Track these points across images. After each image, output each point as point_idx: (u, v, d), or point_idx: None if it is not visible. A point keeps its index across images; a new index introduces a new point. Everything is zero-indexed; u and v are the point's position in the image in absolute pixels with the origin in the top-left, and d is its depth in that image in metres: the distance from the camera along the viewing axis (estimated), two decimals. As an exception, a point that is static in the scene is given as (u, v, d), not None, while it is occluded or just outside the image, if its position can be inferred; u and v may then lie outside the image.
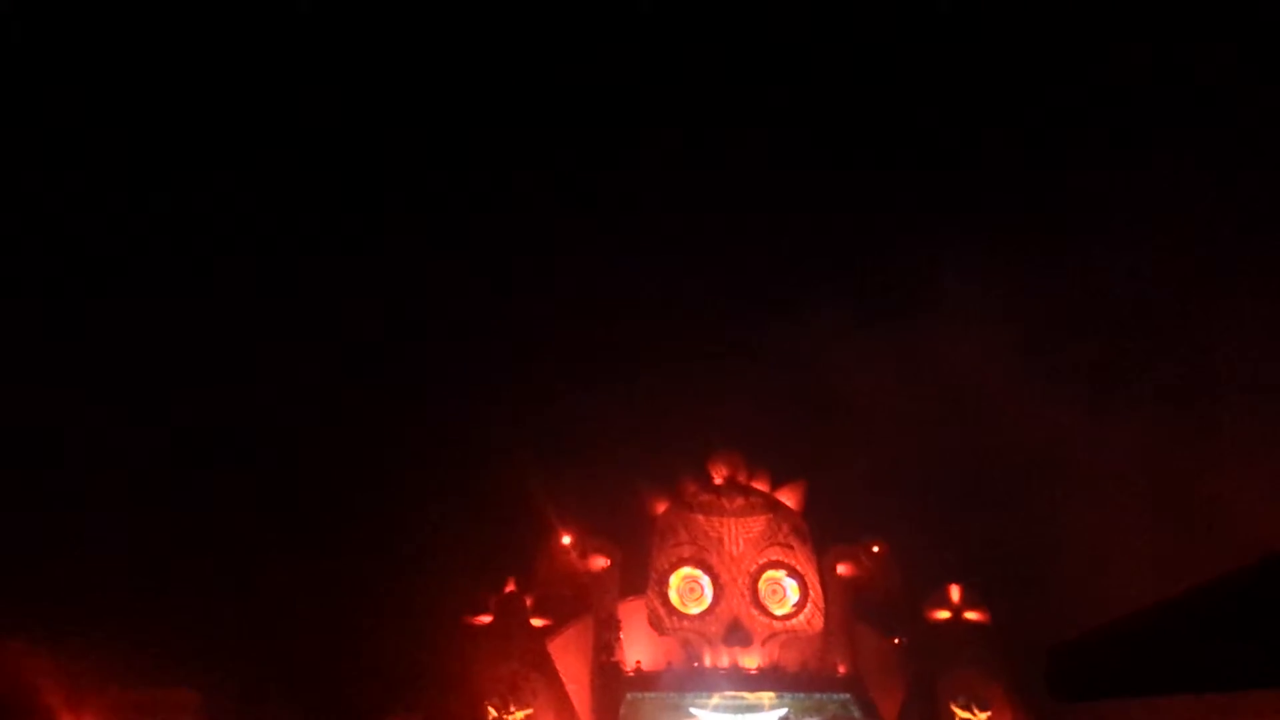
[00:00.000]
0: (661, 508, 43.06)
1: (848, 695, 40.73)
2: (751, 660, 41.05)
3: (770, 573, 42.50)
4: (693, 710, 39.36)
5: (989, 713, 39.82)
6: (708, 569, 42.05)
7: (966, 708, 40.00)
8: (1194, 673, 3.57)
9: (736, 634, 41.06)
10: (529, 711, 36.30)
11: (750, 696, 39.72)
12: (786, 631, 41.95)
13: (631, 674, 39.97)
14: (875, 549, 43.38)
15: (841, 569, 43.22)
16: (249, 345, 48.68)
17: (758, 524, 43.06)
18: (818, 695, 40.54)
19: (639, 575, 42.02)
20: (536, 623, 39.69)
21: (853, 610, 42.92)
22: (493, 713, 35.30)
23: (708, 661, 40.97)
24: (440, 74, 65.78)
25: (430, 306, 57.84)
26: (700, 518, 42.91)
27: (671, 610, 41.51)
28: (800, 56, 65.06)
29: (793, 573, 42.68)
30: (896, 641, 43.22)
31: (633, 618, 41.09)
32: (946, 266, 49.03)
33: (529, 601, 39.87)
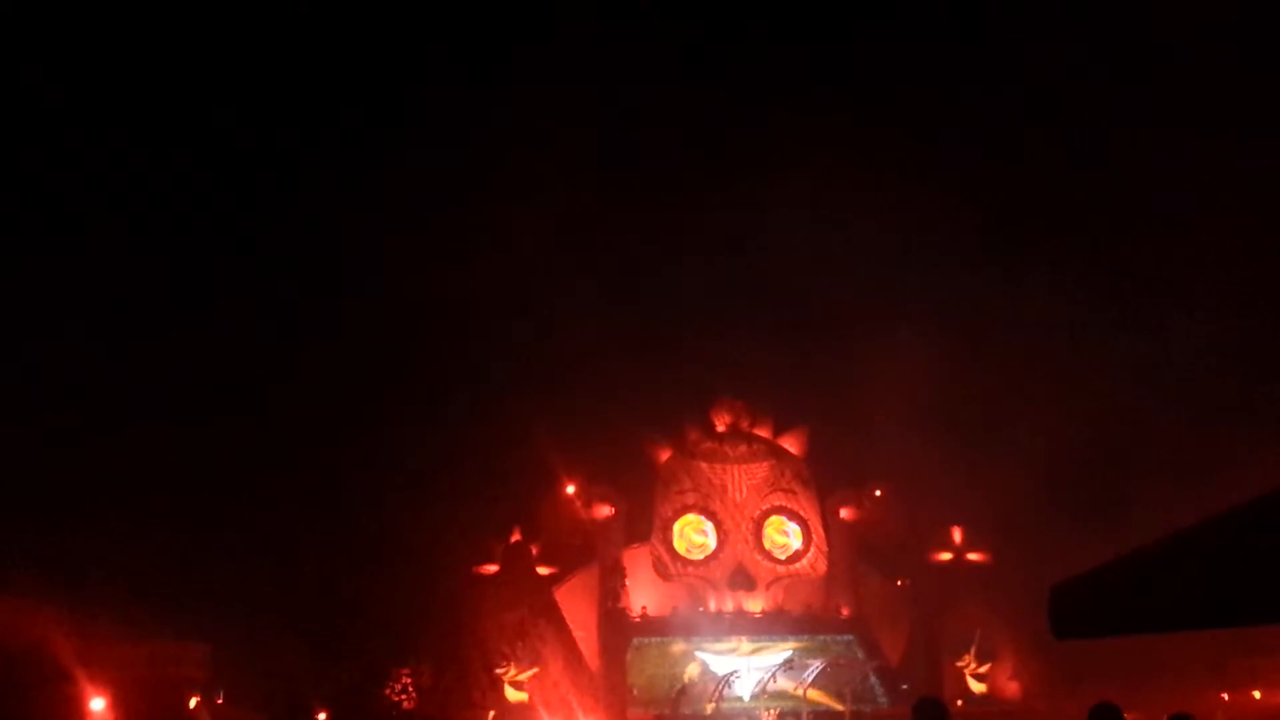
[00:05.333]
0: (665, 456, 43.17)
1: (851, 636, 41.11)
2: (756, 604, 41.40)
3: (774, 518, 42.71)
4: (698, 654, 39.79)
5: (987, 663, 40.35)
6: (711, 515, 42.26)
7: (966, 652, 40.38)
8: (1198, 609, 3.51)
9: (741, 579, 41.37)
10: (534, 671, 36.62)
11: (755, 640, 40.11)
12: (790, 575, 42.27)
13: (637, 620, 40.36)
14: (877, 493, 43.53)
15: (844, 513, 43.41)
16: (249, 302, 48.60)
17: (760, 470, 43.19)
18: (822, 637, 40.94)
19: (644, 523, 42.27)
20: (543, 571, 39.99)
21: (856, 553, 43.19)
22: (501, 663, 35.64)
23: (713, 606, 41.33)
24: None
25: (429, 260, 57.55)
26: (704, 465, 43.04)
27: (676, 557, 41.81)
28: None
29: (796, 518, 42.89)
30: (899, 583, 43.57)
31: (638, 565, 41.39)
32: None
33: (535, 550, 40.12)
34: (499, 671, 33.80)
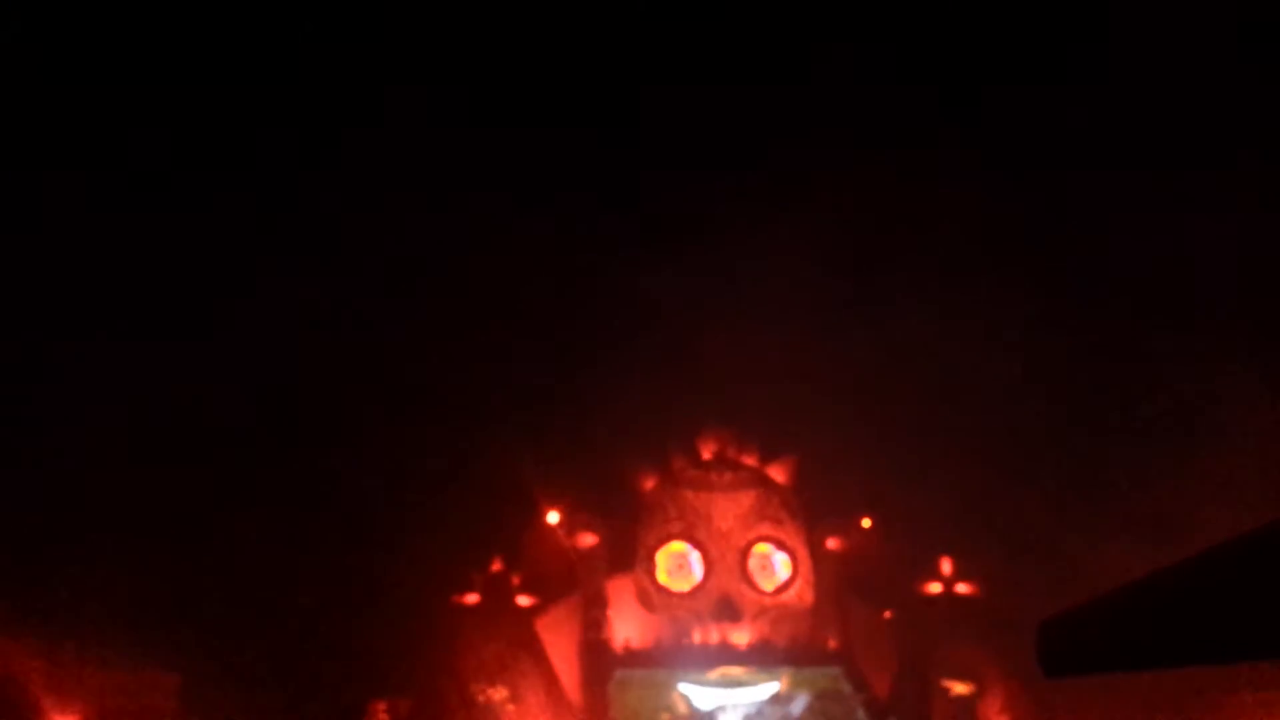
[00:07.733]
0: (649, 483, 42.73)
1: (838, 669, 40.64)
2: (741, 636, 40.83)
3: (759, 547, 42.23)
4: (682, 687, 39.21)
5: (976, 687, 39.88)
6: (696, 545, 41.75)
7: (956, 681, 39.96)
8: (1189, 646, 3.25)
9: (726, 610, 40.81)
10: (506, 694, 36.09)
11: (740, 672, 39.57)
12: (776, 607, 41.71)
13: (620, 652, 39.71)
14: (865, 523, 43.19)
15: (831, 543, 43.00)
16: (215, 331, 47.59)
17: (747, 499, 42.73)
18: (808, 670, 40.43)
19: (627, 552, 41.75)
20: (524, 601, 39.42)
21: (843, 584, 42.73)
22: (481, 696, 35.09)
23: (697, 638, 40.72)
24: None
25: (417, 280, 57.09)
26: (689, 493, 42.55)
27: (660, 587, 41.23)
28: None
29: (782, 547, 42.42)
30: (887, 615, 43.11)
31: (621, 595, 40.80)
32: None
33: (516, 580, 39.57)
34: (478, 693, 33.37)
